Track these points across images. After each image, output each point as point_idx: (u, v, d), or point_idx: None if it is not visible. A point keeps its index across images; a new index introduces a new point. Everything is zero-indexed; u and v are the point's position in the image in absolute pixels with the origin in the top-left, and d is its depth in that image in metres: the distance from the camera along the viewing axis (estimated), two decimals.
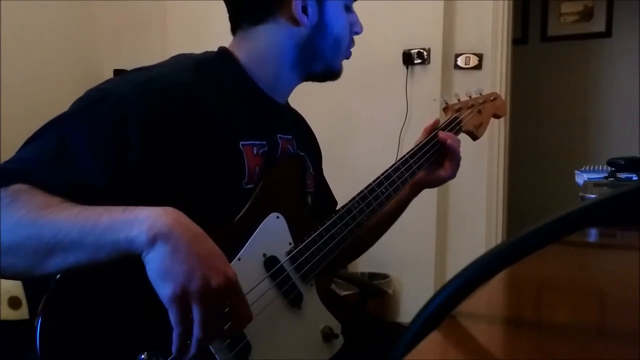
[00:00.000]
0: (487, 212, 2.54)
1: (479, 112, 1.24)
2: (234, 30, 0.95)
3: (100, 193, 0.72)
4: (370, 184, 0.99)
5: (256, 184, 0.88)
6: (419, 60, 2.55)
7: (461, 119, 1.19)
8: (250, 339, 0.79)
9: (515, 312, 0.40)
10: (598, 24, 3.67)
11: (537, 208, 3.40)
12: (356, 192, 0.97)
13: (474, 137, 1.24)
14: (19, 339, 0.93)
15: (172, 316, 0.64)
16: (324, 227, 0.91)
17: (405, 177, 1.03)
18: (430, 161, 1.09)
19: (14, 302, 1.20)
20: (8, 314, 1.19)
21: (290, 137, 0.99)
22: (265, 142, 0.91)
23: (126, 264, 0.65)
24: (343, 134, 2.66)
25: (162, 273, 0.63)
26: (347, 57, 1.00)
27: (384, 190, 0.99)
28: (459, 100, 1.22)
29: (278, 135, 0.95)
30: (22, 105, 2.56)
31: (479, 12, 2.52)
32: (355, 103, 2.66)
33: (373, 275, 2.60)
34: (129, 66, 0.86)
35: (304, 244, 0.89)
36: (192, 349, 0.65)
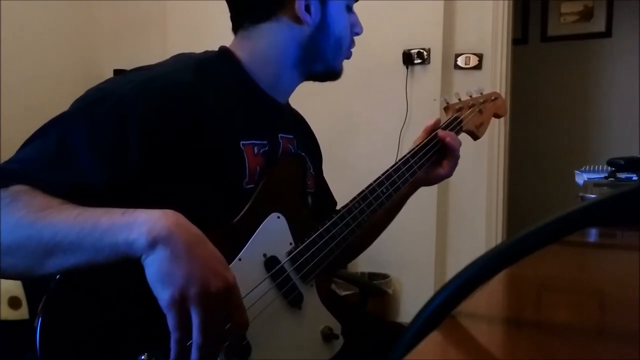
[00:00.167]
0: (487, 212, 2.54)
1: (480, 111, 1.24)
2: (235, 29, 0.95)
3: (100, 193, 0.72)
4: (371, 184, 0.99)
5: (257, 184, 0.88)
6: (419, 60, 2.55)
7: (462, 119, 1.19)
8: (250, 339, 0.79)
9: (515, 312, 0.40)
10: (598, 24, 3.67)
11: (537, 208, 3.40)
12: (356, 192, 0.97)
13: (475, 136, 1.24)
14: (19, 339, 0.93)
15: (170, 321, 0.63)
16: (324, 227, 0.91)
17: (406, 177, 1.03)
18: (431, 161, 1.09)
19: (14, 302, 1.20)
20: (8, 314, 1.19)
21: (291, 136, 0.99)
22: (266, 142, 0.91)
23: (126, 266, 0.65)
24: (343, 134, 2.66)
25: (161, 277, 0.63)
26: (348, 58, 1.00)
27: (384, 190, 0.99)
28: (459, 99, 1.22)
29: (279, 135, 0.95)
30: (22, 105, 2.56)
31: (479, 12, 2.52)
32: (355, 103, 2.66)
33: (373, 275, 2.60)
34: (129, 66, 0.86)
35: (304, 244, 0.89)
36: (194, 358, 0.64)
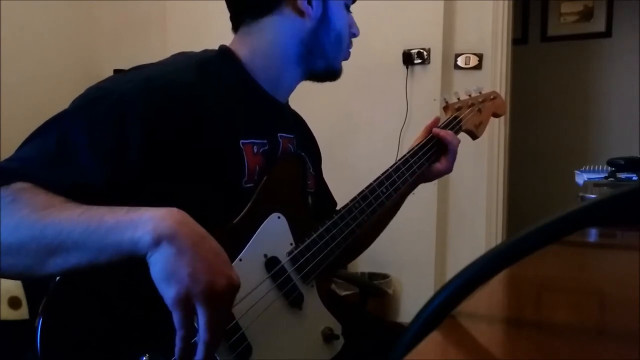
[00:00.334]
0: (487, 212, 2.54)
1: (479, 111, 1.24)
2: (236, 27, 0.95)
3: (99, 191, 0.72)
4: (371, 184, 0.99)
5: (256, 183, 0.88)
6: (419, 60, 2.55)
7: (461, 118, 1.19)
8: (251, 340, 0.79)
9: (515, 312, 0.40)
10: (598, 24, 3.67)
11: (537, 208, 3.40)
12: (356, 192, 0.97)
13: (474, 136, 1.24)
14: (19, 339, 0.93)
15: (176, 319, 0.63)
16: (324, 227, 0.91)
17: (406, 176, 1.04)
18: (431, 160, 1.09)
19: (14, 302, 1.20)
20: (8, 314, 1.19)
21: (291, 136, 0.99)
22: (265, 141, 0.91)
23: (125, 266, 0.65)
24: (343, 134, 2.66)
25: (166, 275, 0.63)
26: (346, 59, 1.00)
27: (384, 190, 0.99)
28: (458, 99, 1.22)
29: (279, 134, 0.95)
30: (22, 105, 2.56)
31: (479, 12, 2.52)
32: (355, 103, 2.66)
33: (373, 275, 2.60)
34: (128, 66, 0.86)
35: (305, 244, 0.89)
36: (200, 354, 0.65)
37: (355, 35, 1.00)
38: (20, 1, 2.63)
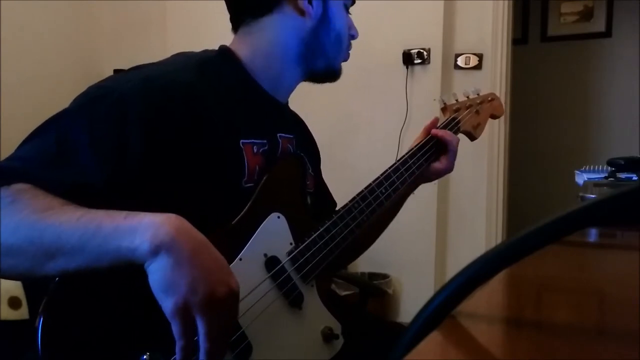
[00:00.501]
0: (487, 212, 2.54)
1: (477, 112, 1.24)
2: (236, 27, 0.95)
3: (99, 191, 0.72)
4: (370, 184, 0.99)
5: (256, 183, 0.88)
6: (419, 60, 2.55)
7: (459, 120, 1.19)
8: (251, 339, 0.79)
9: (515, 312, 0.40)
10: (598, 24, 3.67)
11: (537, 208, 3.40)
12: (356, 192, 0.97)
13: (472, 137, 1.25)
14: (19, 339, 0.93)
15: (175, 329, 0.63)
16: (324, 227, 0.91)
17: (405, 177, 1.04)
18: (430, 161, 1.09)
19: (14, 302, 1.20)
20: (8, 314, 1.19)
21: (291, 136, 0.99)
22: (265, 141, 0.91)
23: (128, 270, 0.65)
24: (343, 134, 2.66)
25: (164, 285, 0.63)
26: (345, 60, 1.01)
27: (383, 190, 1.00)
28: (457, 100, 1.23)
29: (278, 135, 0.95)
30: (22, 105, 2.56)
31: (479, 12, 2.52)
32: (355, 103, 2.66)
33: (373, 275, 2.60)
34: (128, 66, 0.86)
35: (304, 244, 0.89)
36: None
37: (354, 37, 1.01)
38: (20, 1, 2.63)
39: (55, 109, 0.78)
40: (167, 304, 0.63)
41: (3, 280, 1.16)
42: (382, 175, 1.01)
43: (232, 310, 0.67)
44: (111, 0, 3.06)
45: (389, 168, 1.03)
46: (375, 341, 1.03)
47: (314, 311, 0.89)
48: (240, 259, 0.81)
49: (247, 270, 0.80)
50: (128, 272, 0.66)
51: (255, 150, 0.89)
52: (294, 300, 0.86)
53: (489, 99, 1.29)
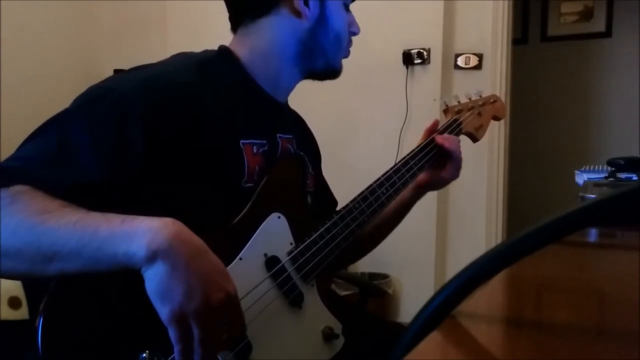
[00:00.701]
0: (487, 212, 2.54)
1: (479, 114, 1.24)
2: (235, 28, 0.95)
3: (100, 191, 0.72)
4: (371, 185, 0.99)
5: (256, 183, 0.88)
6: (419, 60, 2.55)
7: (461, 121, 1.19)
8: (251, 339, 0.79)
9: (515, 312, 0.40)
10: (598, 24, 3.67)
11: (537, 208, 3.40)
12: (356, 193, 0.97)
13: (474, 139, 1.24)
14: (19, 339, 0.93)
15: (172, 335, 0.64)
16: (324, 227, 0.91)
17: (406, 178, 1.03)
18: (431, 162, 1.09)
19: (14, 302, 1.20)
20: (8, 314, 1.19)
21: (290, 136, 0.99)
22: (265, 141, 0.91)
23: (127, 273, 0.65)
24: (343, 133, 2.66)
25: (160, 292, 0.63)
26: (346, 56, 1.00)
27: (384, 191, 0.99)
28: (458, 102, 1.22)
29: (278, 135, 0.95)
30: (22, 105, 2.56)
31: (479, 12, 2.51)
32: (355, 103, 2.66)
33: (373, 275, 2.60)
34: (128, 66, 0.86)
35: (305, 244, 0.89)
36: None
37: (355, 33, 1.00)
38: (20, 1, 2.62)
39: (55, 109, 0.78)
40: (164, 311, 0.63)
41: (3, 280, 1.16)
42: (383, 175, 1.01)
43: (231, 314, 0.68)
44: (111, 0, 3.06)
45: (391, 168, 1.03)
46: (375, 341, 1.03)
47: (314, 311, 0.89)
48: (241, 259, 0.81)
49: (247, 269, 0.80)
50: (128, 273, 0.67)
51: (255, 151, 0.89)
52: (294, 300, 0.86)
53: (491, 100, 1.29)
